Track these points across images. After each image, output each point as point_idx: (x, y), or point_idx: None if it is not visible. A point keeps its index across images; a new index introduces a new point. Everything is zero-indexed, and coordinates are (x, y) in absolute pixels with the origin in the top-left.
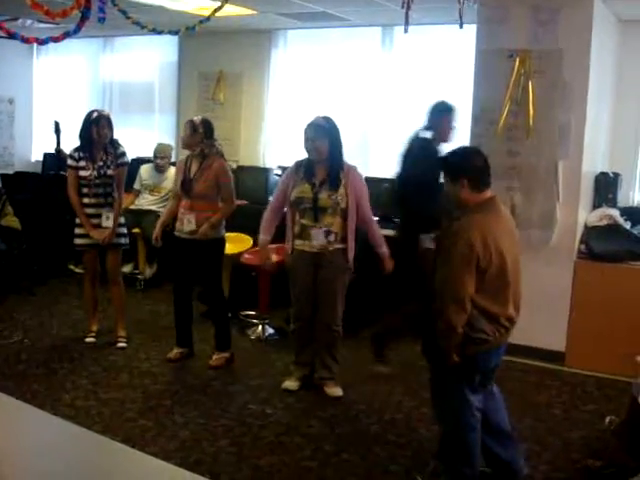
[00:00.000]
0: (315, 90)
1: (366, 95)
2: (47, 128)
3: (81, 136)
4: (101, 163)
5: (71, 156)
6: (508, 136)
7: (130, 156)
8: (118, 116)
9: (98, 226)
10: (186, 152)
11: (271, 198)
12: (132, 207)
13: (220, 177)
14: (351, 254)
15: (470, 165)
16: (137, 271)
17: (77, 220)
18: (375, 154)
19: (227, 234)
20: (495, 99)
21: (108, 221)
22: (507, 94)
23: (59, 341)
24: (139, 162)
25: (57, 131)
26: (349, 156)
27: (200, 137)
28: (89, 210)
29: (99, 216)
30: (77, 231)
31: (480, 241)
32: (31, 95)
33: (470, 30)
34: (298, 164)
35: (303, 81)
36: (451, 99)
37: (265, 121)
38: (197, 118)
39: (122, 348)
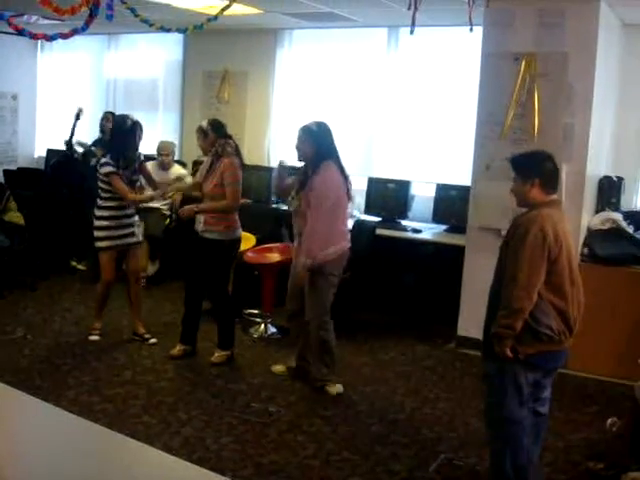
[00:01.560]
0: (320, 90)
1: (371, 96)
2: (50, 124)
3: (116, 144)
4: (130, 172)
5: (109, 164)
6: (513, 138)
7: None
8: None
9: (126, 227)
10: (190, 153)
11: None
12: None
13: (225, 176)
14: (311, 255)
15: (543, 167)
16: None
17: (102, 222)
18: (379, 155)
19: None
20: (500, 102)
21: (140, 228)
22: (512, 97)
23: (62, 337)
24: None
25: (77, 119)
26: (353, 157)
27: (212, 139)
28: (108, 213)
29: (128, 217)
30: (99, 234)
31: (552, 231)
32: (35, 91)
33: (476, 32)
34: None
35: (308, 81)
36: (455, 101)
37: (270, 120)
38: (204, 122)
39: (154, 343)
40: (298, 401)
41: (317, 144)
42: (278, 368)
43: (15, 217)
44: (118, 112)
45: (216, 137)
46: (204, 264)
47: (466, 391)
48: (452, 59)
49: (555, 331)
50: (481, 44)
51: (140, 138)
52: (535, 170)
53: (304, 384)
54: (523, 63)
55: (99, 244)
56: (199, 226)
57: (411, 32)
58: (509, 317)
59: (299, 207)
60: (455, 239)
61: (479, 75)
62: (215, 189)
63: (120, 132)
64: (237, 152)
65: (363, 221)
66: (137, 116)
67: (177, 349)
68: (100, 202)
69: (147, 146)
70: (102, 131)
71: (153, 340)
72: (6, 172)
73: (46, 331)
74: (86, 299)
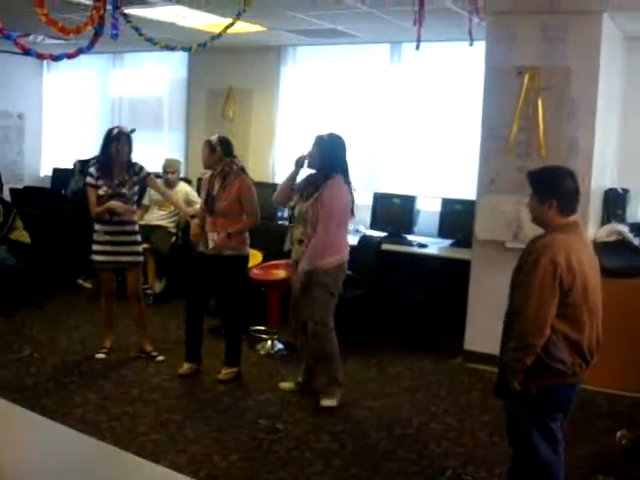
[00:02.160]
0: (324, 106)
1: (375, 111)
2: (56, 143)
3: (101, 153)
4: (117, 182)
5: (90, 174)
6: (517, 152)
7: None
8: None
9: (117, 244)
10: (195, 170)
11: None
12: (141, 222)
13: (243, 194)
14: (313, 263)
15: (562, 187)
16: (146, 286)
17: (95, 237)
18: (385, 170)
19: None
20: (504, 115)
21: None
22: (516, 110)
23: (69, 356)
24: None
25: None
26: (358, 172)
27: (219, 156)
28: (99, 227)
29: (113, 233)
30: (95, 248)
31: (564, 260)
32: (41, 110)
33: (479, 47)
34: (305, 176)
35: (312, 97)
36: (460, 115)
37: (275, 137)
38: (214, 137)
39: (162, 361)
40: (306, 417)
41: (324, 153)
42: (286, 385)
43: (21, 236)
44: None
45: (222, 155)
46: (221, 282)
47: (473, 405)
48: (455, 74)
49: (568, 365)
50: (484, 58)
51: (124, 148)
52: (553, 191)
53: (311, 400)
54: (526, 77)
55: (93, 257)
56: (211, 244)
57: (417, 47)
58: (519, 351)
59: (305, 214)
60: (461, 253)
61: (482, 89)
62: (230, 206)
63: (103, 141)
64: (244, 172)
65: (369, 236)
66: (143, 134)
67: (185, 368)
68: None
69: (153, 164)
70: None
71: (160, 357)
72: (13, 191)
73: (53, 349)
74: (93, 317)
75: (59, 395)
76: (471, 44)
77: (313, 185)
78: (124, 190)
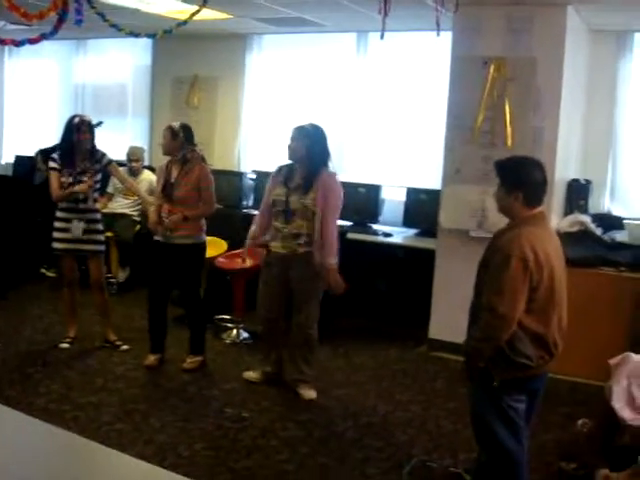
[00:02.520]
0: (290, 95)
1: (341, 100)
2: (18, 130)
3: (62, 141)
4: (79, 169)
5: (53, 159)
6: (483, 142)
7: None
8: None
9: (66, 230)
10: (166, 158)
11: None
12: (105, 210)
13: (202, 181)
14: (322, 256)
15: (530, 179)
16: (110, 275)
17: (55, 224)
18: (350, 159)
19: None
20: (470, 105)
21: (77, 231)
22: (482, 100)
23: (33, 346)
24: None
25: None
26: None
27: (180, 142)
28: (62, 215)
29: (69, 221)
30: (55, 235)
31: (533, 255)
32: (2, 97)
33: (445, 37)
34: (279, 168)
35: (278, 86)
36: (425, 105)
37: (240, 125)
38: (176, 124)
39: (126, 350)
40: (271, 406)
41: (312, 146)
42: (252, 375)
43: None
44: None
45: (184, 142)
46: (180, 270)
47: (438, 393)
48: (421, 63)
49: (532, 358)
50: (450, 48)
51: (86, 137)
52: (520, 183)
53: (277, 389)
54: (492, 67)
55: (53, 245)
56: (167, 232)
57: (381, 37)
58: (483, 342)
59: (306, 209)
60: (426, 243)
61: (448, 79)
62: (189, 193)
63: (64, 130)
64: (204, 161)
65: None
66: (106, 121)
67: (151, 359)
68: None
69: (116, 152)
70: None
71: (125, 347)
72: None
73: (16, 340)
74: (56, 306)
75: (23, 385)
76: (438, 34)
77: (306, 179)
78: (85, 178)
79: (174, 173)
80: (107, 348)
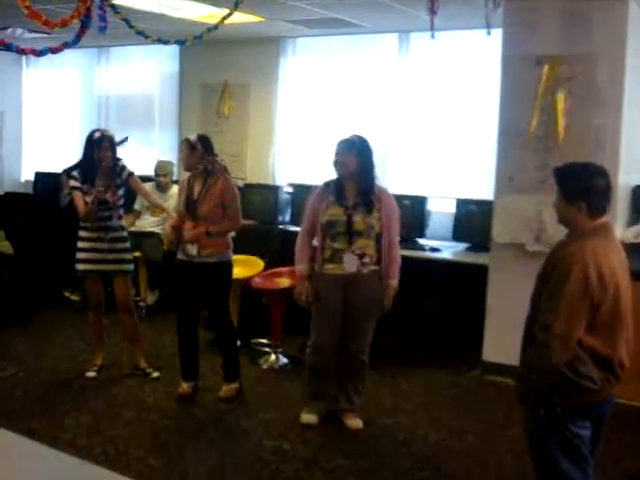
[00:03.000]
0: (327, 102)
1: (382, 107)
2: (38, 145)
3: (82, 157)
4: (101, 188)
5: (74, 177)
6: (537, 148)
7: None
8: (115, 132)
9: (90, 250)
10: (187, 174)
11: (282, 217)
12: (132, 229)
13: (226, 196)
14: (387, 276)
15: (592, 187)
16: (138, 298)
17: (79, 244)
18: (394, 168)
19: (236, 257)
20: (523, 108)
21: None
22: (536, 103)
23: (57, 375)
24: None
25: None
26: None
27: (200, 154)
28: (85, 234)
29: (92, 240)
30: (79, 256)
31: (596, 272)
32: (20, 110)
33: (495, 35)
34: (326, 184)
35: (314, 92)
36: (474, 109)
37: (274, 135)
38: (193, 136)
39: (157, 378)
40: (314, 437)
41: (364, 160)
42: (310, 418)
43: (3, 246)
44: (111, 131)
45: (203, 153)
46: (206, 291)
47: (494, 421)
48: (469, 64)
49: (596, 381)
50: (501, 47)
51: (107, 154)
52: (582, 192)
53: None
54: (546, 67)
55: (77, 267)
56: (192, 250)
57: (432, 36)
58: (543, 371)
59: (371, 228)
60: (477, 258)
61: (499, 81)
62: (213, 210)
63: (85, 146)
64: (227, 172)
65: None
66: (132, 134)
67: (184, 387)
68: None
69: (144, 166)
70: None
71: (156, 374)
72: None
73: (39, 368)
74: (82, 332)
75: (47, 418)
76: (489, 33)
77: (364, 196)
78: (107, 196)
79: (196, 188)
80: (137, 376)
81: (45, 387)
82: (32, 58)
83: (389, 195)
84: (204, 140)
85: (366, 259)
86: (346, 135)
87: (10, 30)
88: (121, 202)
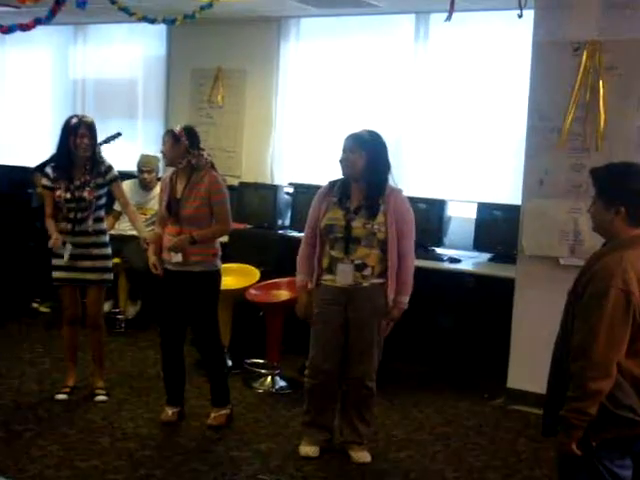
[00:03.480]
0: (334, 92)
1: (396, 97)
2: (2, 134)
3: (57, 148)
4: (78, 183)
5: (45, 174)
6: (572, 147)
7: None
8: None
9: (76, 258)
10: (169, 171)
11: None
12: (112, 232)
13: (213, 194)
14: (396, 292)
15: (634, 190)
16: (117, 310)
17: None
18: (408, 168)
19: (229, 265)
20: (557, 102)
21: (67, 254)
22: (572, 96)
23: (22, 397)
24: (120, 178)
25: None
26: None
27: (184, 148)
28: (65, 238)
29: (77, 246)
30: (55, 262)
31: (637, 287)
32: None
33: (527, 18)
34: (332, 184)
35: (319, 80)
36: (500, 102)
37: (273, 128)
38: (177, 127)
39: (102, 401)
40: (315, 471)
41: (373, 159)
42: (308, 450)
43: None
44: None
45: (188, 147)
46: (192, 303)
47: (520, 457)
48: (496, 51)
49: (638, 411)
50: (532, 31)
51: (85, 142)
52: (622, 194)
53: (323, 450)
54: (585, 54)
55: (53, 274)
56: (176, 257)
57: (448, 18)
58: (581, 400)
59: (373, 235)
60: (502, 270)
61: (530, 70)
62: (199, 210)
63: (60, 134)
64: (214, 168)
65: None
66: (112, 124)
67: (168, 413)
68: None
69: (125, 161)
70: None
71: (102, 397)
72: None
73: (2, 390)
74: (51, 349)
75: (11, 446)
76: (520, 15)
77: (369, 199)
78: (84, 194)
79: (180, 186)
80: (112, 399)
81: (8, 411)
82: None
83: (401, 197)
84: (190, 132)
85: (366, 271)
86: (356, 129)
87: None
88: (102, 202)
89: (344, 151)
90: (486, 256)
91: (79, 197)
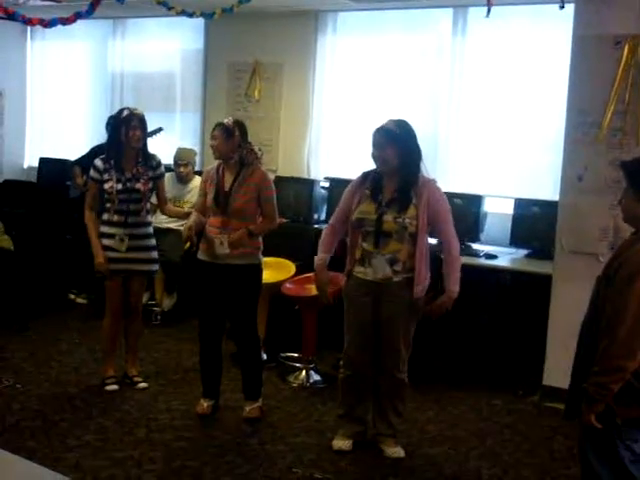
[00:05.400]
0: (371, 85)
1: (434, 91)
2: (43, 128)
3: (108, 140)
4: (129, 175)
5: (95, 167)
6: (612, 142)
7: None
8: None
9: (112, 249)
10: (213, 162)
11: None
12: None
13: (263, 190)
14: (420, 286)
15: None
16: (153, 302)
17: (103, 241)
18: (445, 163)
19: (266, 259)
20: (597, 97)
21: (122, 244)
22: (612, 91)
23: (59, 387)
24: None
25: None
26: None
27: (237, 142)
28: (106, 229)
29: (140, 249)
30: (108, 254)
31: None
32: (24, 88)
33: (568, 11)
34: (365, 176)
35: (356, 74)
36: (539, 96)
37: (310, 122)
38: (229, 120)
39: (145, 388)
40: (349, 465)
41: (404, 150)
42: (342, 444)
43: (3, 241)
44: None
45: (240, 141)
46: (232, 297)
47: (555, 455)
48: (533, 45)
49: None
50: (572, 25)
51: (137, 134)
52: None
53: (357, 444)
54: (626, 48)
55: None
56: (221, 249)
57: (487, 14)
58: (605, 375)
59: (405, 229)
60: (539, 266)
61: (570, 64)
62: (248, 204)
63: (111, 126)
64: (260, 162)
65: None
66: (150, 118)
67: (204, 406)
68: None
69: (162, 154)
70: None
71: (143, 384)
72: None
73: (40, 380)
74: (88, 340)
75: (48, 436)
76: (562, 7)
77: (402, 191)
78: (138, 185)
79: (228, 180)
80: (150, 390)
81: (46, 401)
82: (38, 29)
83: (435, 187)
84: (241, 126)
85: (397, 266)
86: (386, 121)
87: None
88: (150, 196)
89: (375, 147)
90: (523, 252)
91: (132, 188)
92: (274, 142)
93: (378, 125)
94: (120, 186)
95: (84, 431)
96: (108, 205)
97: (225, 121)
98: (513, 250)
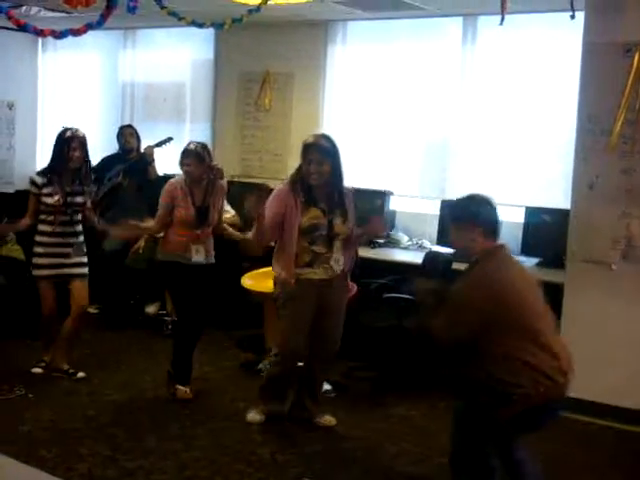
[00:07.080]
0: (381, 94)
1: (443, 101)
2: (54, 139)
3: (52, 156)
4: (68, 189)
5: (33, 182)
6: (623, 150)
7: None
8: (141, 125)
9: (65, 256)
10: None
11: None
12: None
13: (221, 200)
14: (348, 267)
15: (485, 213)
16: (164, 312)
17: (37, 249)
18: (455, 173)
19: (264, 270)
20: (608, 105)
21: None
22: (623, 98)
23: (71, 397)
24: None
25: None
26: (424, 175)
27: (207, 165)
28: (53, 239)
29: (65, 245)
30: (38, 261)
31: (499, 290)
32: (35, 99)
33: (578, 20)
34: (293, 182)
35: (367, 83)
36: (549, 105)
37: (320, 131)
38: (196, 146)
39: (83, 377)
40: (362, 475)
41: (336, 163)
42: (255, 417)
43: (14, 251)
44: (138, 123)
45: (210, 163)
46: (205, 291)
47: (569, 466)
48: (543, 53)
49: (528, 387)
50: (583, 33)
51: (77, 152)
52: (475, 215)
53: (366, 453)
54: (637, 56)
55: (35, 272)
56: (197, 257)
57: (501, 22)
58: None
59: (345, 232)
60: (550, 275)
61: (580, 72)
62: (216, 214)
63: (55, 143)
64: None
65: (436, 253)
66: (160, 127)
67: (186, 391)
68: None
69: (172, 163)
70: (123, 149)
71: (81, 374)
72: (1, 195)
73: (51, 389)
74: (99, 349)
75: (59, 445)
76: (573, 16)
77: (340, 201)
78: (79, 199)
79: (198, 195)
80: (160, 399)
81: (57, 411)
82: (49, 40)
83: (352, 195)
84: (206, 148)
85: (341, 263)
86: (314, 138)
87: (25, 8)
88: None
89: (312, 162)
90: (534, 261)
91: (73, 202)
92: (284, 152)
93: (308, 141)
94: (62, 200)
95: (95, 441)
96: (51, 218)
97: (192, 147)
98: (524, 259)
